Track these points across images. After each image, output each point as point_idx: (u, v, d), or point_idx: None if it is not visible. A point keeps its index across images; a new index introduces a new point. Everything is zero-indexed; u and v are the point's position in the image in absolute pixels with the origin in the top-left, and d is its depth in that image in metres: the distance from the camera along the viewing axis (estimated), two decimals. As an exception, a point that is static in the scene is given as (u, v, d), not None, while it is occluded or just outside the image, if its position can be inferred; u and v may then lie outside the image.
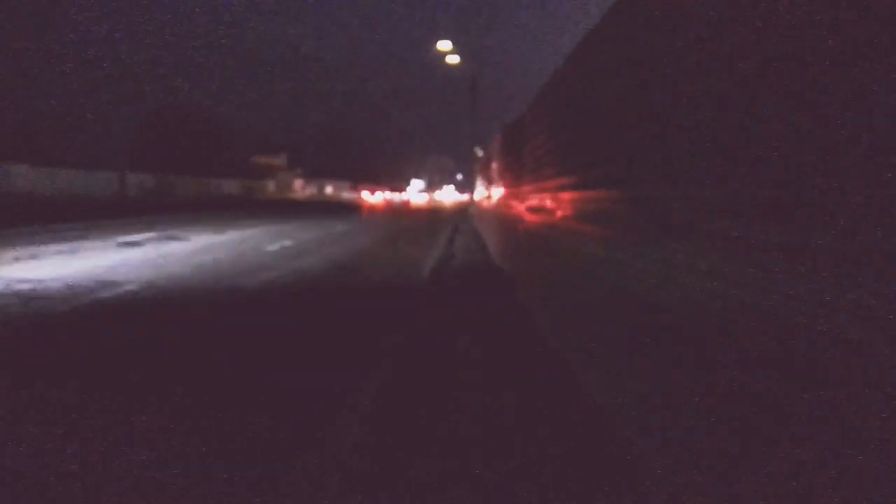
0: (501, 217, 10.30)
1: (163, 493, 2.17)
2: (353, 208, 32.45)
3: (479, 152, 24.28)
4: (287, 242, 11.20)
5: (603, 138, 3.42)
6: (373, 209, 32.38)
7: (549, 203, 5.21)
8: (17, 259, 8.11)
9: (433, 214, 25.30)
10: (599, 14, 3.59)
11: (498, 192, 10.81)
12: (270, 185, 74.93)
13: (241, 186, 62.60)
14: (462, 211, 27.22)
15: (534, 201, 6.20)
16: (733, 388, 1.86)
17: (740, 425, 1.72)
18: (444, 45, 27.72)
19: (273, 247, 10.44)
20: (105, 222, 15.42)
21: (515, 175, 8.12)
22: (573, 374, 2.97)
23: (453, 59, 28.66)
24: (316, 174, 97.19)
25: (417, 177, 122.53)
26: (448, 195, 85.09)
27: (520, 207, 7.55)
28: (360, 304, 5.76)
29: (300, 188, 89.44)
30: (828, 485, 1.40)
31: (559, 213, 4.76)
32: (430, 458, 2.28)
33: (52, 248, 9.48)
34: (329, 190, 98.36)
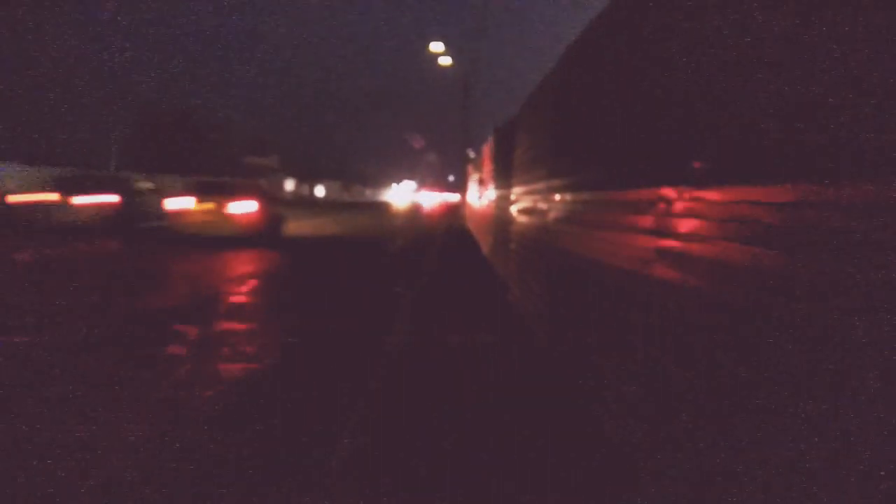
0: (493, 217, 10.33)
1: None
2: None
3: (472, 154, 24.32)
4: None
5: (592, 142, 3.44)
6: None
7: (538, 205, 5.23)
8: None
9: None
10: (593, 15, 3.61)
11: (490, 193, 10.82)
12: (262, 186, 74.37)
13: (232, 187, 62.04)
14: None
15: (524, 203, 6.22)
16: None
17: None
18: (436, 46, 27.78)
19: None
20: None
21: (506, 176, 8.14)
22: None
23: (445, 61, 28.70)
24: (308, 175, 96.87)
25: (409, 178, 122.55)
26: (404, 196, 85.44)
27: (510, 209, 7.57)
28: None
29: (293, 189, 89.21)
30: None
31: (549, 215, 4.78)
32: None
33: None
34: (321, 191, 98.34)
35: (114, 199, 16.28)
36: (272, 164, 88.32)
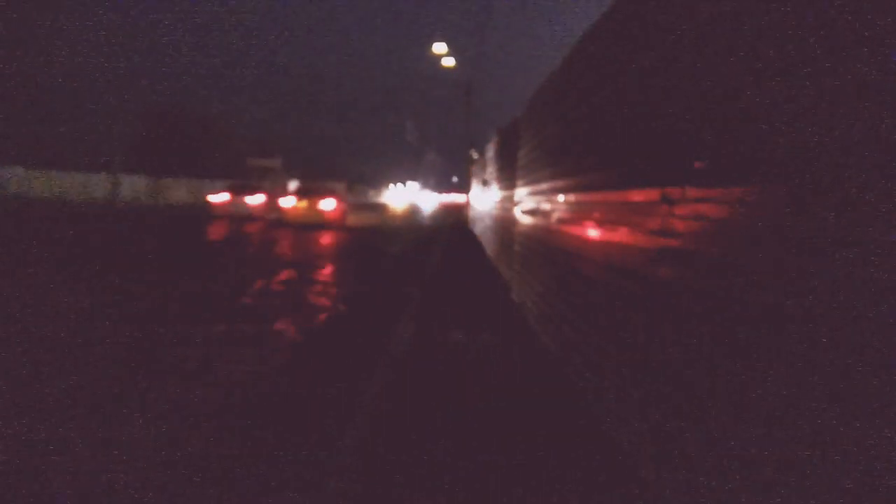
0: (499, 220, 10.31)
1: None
2: None
3: (475, 155, 24.32)
4: None
5: (597, 142, 3.43)
6: None
7: (541, 206, 5.22)
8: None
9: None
10: (596, 17, 3.61)
11: (493, 194, 10.82)
12: (265, 188, 74.49)
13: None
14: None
15: (527, 204, 6.21)
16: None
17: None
18: (439, 47, 27.77)
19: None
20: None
21: (510, 178, 8.13)
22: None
23: (449, 62, 28.69)
24: (312, 177, 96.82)
25: (413, 179, 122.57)
26: (401, 197, 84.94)
27: (513, 210, 7.56)
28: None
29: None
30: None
31: (552, 216, 4.77)
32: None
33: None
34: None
35: (263, 198, 27.01)
36: (275, 164, 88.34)
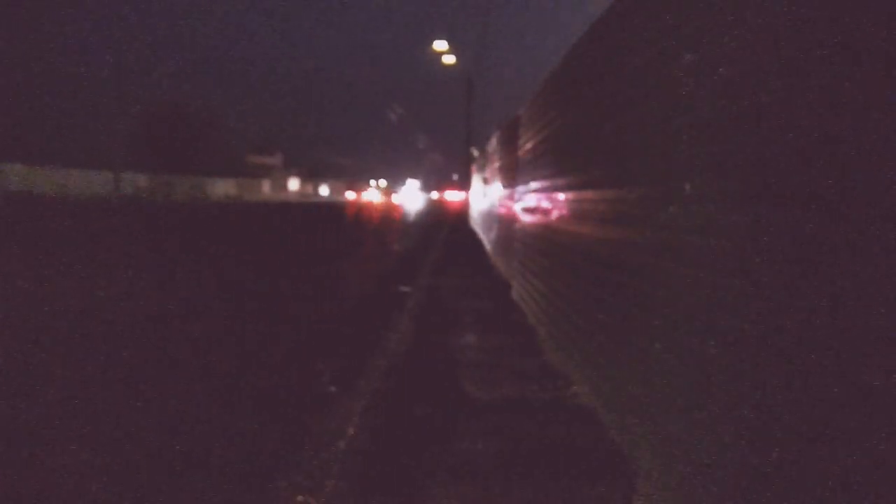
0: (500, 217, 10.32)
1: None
2: None
3: (475, 153, 24.30)
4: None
5: (596, 141, 3.43)
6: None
7: (541, 203, 5.21)
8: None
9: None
10: (597, 15, 3.61)
11: (493, 191, 10.81)
12: (266, 185, 74.81)
13: (236, 186, 62.80)
14: None
15: (527, 201, 6.20)
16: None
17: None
18: (440, 45, 27.71)
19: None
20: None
21: (510, 175, 8.12)
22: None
23: (449, 59, 28.63)
24: (312, 174, 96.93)
25: (413, 177, 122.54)
26: (378, 195, 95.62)
27: (513, 207, 7.55)
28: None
29: (297, 188, 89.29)
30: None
31: (552, 213, 4.76)
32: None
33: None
34: (325, 191, 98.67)
35: (369, 196, 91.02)
36: (276, 162, 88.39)
